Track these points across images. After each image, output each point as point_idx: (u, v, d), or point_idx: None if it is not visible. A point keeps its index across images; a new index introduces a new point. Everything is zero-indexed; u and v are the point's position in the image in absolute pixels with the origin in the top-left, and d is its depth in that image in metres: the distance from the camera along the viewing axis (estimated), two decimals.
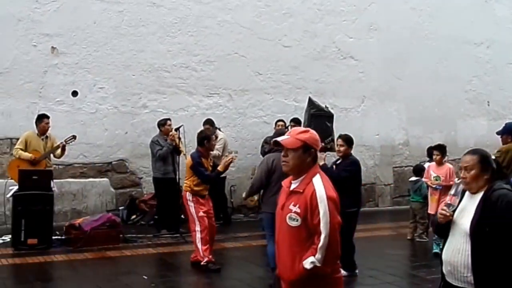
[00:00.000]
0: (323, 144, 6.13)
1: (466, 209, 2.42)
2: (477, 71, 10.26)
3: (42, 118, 6.24)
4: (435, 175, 5.91)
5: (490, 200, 2.35)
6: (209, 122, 7.23)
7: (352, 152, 5.18)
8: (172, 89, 7.84)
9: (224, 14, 8.15)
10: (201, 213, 4.97)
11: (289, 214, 2.29)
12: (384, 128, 9.44)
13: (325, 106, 8.32)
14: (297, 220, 2.26)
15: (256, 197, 7.01)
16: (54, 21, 7.16)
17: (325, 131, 7.76)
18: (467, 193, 2.47)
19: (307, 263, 2.22)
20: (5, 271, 5.04)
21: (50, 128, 6.33)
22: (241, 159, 8.02)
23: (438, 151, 6.00)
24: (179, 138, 6.66)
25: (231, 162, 5.11)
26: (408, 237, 6.71)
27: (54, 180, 6.18)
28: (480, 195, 2.40)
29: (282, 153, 2.36)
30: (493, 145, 7.34)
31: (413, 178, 6.80)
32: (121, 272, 4.98)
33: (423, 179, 6.15)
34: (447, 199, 2.48)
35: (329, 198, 2.25)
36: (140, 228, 6.99)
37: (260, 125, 8.35)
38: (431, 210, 5.96)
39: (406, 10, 9.57)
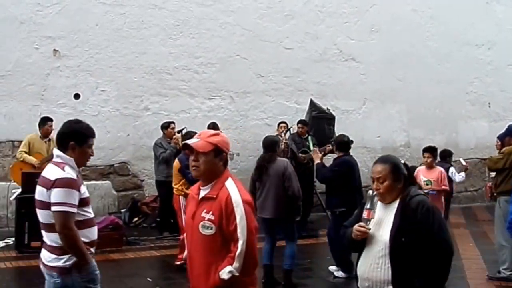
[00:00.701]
0: (329, 146, 6.17)
1: (383, 221, 2.29)
2: (478, 73, 10.28)
3: (45, 121, 6.24)
4: (425, 179, 5.50)
5: (409, 207, 2.24)
6: (214, 127, 7.19)
7: (353, 153, 5.24)
8: (174, 91, 7.85)
9: (226, 16, 8.16)
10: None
11: (202, 223, 2.14)
12: (385, 130, 9.45)
13: (327, 108, 8.35)
14: (211, 228, 2.11)
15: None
16: (56, 24, 7.17)
17: (327, 133, 7.80)
18: (379, 204, 2.34)
19: (224, 273, 2.07)
20: (9, 273, 5.04)
21: (53, 131, 6.32)
22: (243, 161, 8.03)
23: (428, 153, 5.64)
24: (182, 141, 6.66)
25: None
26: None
27: None
28: (395, 204, 2.29)
29: (192, 157, 2.20)
30: (494, 146, 7.35)
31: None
32: (125, 275, 4.98)
33: None
34: (364, 214, 2.32)
35: (245, 202, 2.13)
36: (143, 230, 7.00)
37: (261, 127, 8.36)
38: None
39: (407, 12, 9.59)
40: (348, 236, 2.37)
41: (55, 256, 2.45)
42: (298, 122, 7.42)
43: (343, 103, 8.95)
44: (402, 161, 2.43)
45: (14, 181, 6.12)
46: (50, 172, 2.49)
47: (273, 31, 8.47)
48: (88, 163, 7.40)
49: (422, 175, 5.56)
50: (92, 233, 2.57)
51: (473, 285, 4.88)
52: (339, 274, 5.01)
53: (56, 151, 2.56)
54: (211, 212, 2.13)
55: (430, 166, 5.59)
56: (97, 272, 2.53)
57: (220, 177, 2.20)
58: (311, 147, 7.22)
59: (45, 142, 6.24)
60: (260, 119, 8.41)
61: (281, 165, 4.62)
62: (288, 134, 7.42)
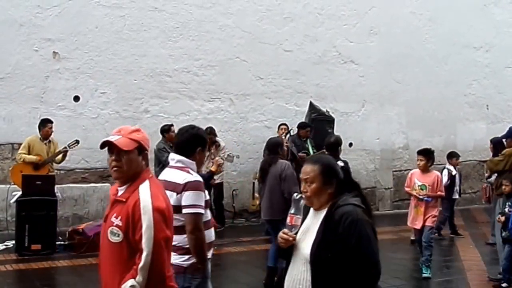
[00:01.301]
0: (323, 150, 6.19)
1: (310, 230, 2.03)
2: (476, 75, 10.33)
3: (45, 123, 6.23)
4: (420, 183, 5.15)
5: (333, 218, 1.96)
6: (212, 132, 7.15)
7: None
8: (173, 93, 7.85)
9: (226, 18, 8.17)
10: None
11: (110, 228, 1.95)
12: (384, 132, 9.47)
13: (326, 111, 8.38)
14: (118, 235, 1.92)
15: (258, 202, 7.03)
16: (56, 26, 7.16)
17: (326, 135, 7.81)
18: (311, 209, 2.08)
19: (127, 287, 1.88)
20: (10, 276, 5.03)
21: (53, 133, 6.31)
22: (243, 163, 8.04)
23: (421, 156, 5.21)
24: None
25: (223, 163, 5.13)
26: (412, 238, 6.79)
27: (56, 186, 6.16)
28: (323, 212, 2.02)
29: (113, 157, 1.99)
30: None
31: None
32: None
33: (406, 189, 5.44)
34: (287, 220, 2.07)
35: (155, 209, 1.90)
36: None
37: (261, 129, 8.36)
38: (412, 224, 5.22)
39: (406, 14, 9.64)
40: (277, 243, 2.11)
41: (175, 254, 2.49)
42: (303, 126, 7.38)
43: (342, 105, 8.98)
44: (341, 164, 2.16)
45: (14, 184, 6.10)
46: (176, 176, 2.59)
47: (272, 33, 8.49)
48: (87, 166, 7.38)
49: (417, 179, 5.23)
50: (211, 234, 2.66)
51: (474, 286, 4.90)
52: None
53: (176, 156, 2.69)
54: (119, 218, 1.94)
55: (424, 170, 5.20)
56: (209, 276, 2.63)
57: (139, 178, 2.01)
58: (311, 150, 7.24)
59: (45, 144, 6.23)
60: (260, 122, 8.42)
61: (279, 167, 4.62)
62: (288, 136, 7.43)
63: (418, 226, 5.15)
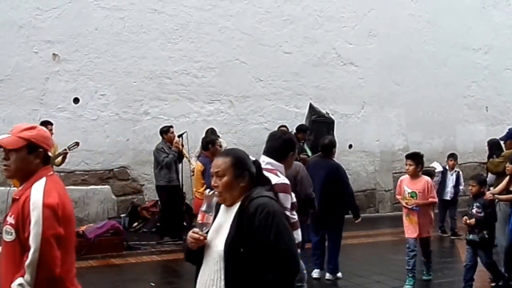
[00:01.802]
0: None
1: (222, 227, 1.93)
2: (475, 77, 10.36)
3: (45, 125, 6.18)
4: (409, 191, 4.77)
5: (248, 211, 1.86)
6: (212, 133, 7.16)
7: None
8: (173, 95, 7.84)
9: (225, 20, 8.18)
10: None
11: (4, 227, 1.93)
12: (384, 134, 9.48)
13: (326, 112, 8.38)
14: (11, 234, 1.90)
15: None
16: (56, 28, 7.15)
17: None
18: (222, 206, 1.99)
19: (15, 286, 1.84)
20: None
21: (53, 135, 6.29)
22: None
23: (411, 161, 4.80)
24: (182, 145, 6.65)
25: None
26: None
27: None
28: (236, 207, 1.92)
29: (3, 156, 1.98)
30: None
31: None
32: (128, 280, 4.95)
33: (397, 196, 5.17)
34: (198, 217, 1.99)
35: (45, 206, 1.85)
36: (143, 235, 6.96)
37: (261, 131, 8.34)
38: (407, 233, 4.92)
39: (405, 17, 9.66)
40: (185, 246, 1.97)
41: None
42: (302, 129, 7.35)
43: (342, 107, 8.98)
44: (253, 158, 2.05)
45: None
46: None
47: (272, 35, 8.50)
48: (87, 168, 7.36)
49: (406, 185, 4.80)
50: (298, 235, 2.81)
51: (476, 287, 4.88)
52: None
53: (266, 158, 2.80)
54: (13, 216, 1.91)
55: (413, 175, 4.79)
56: (305, 271, 2.85)
57: (34, 176, 1.96)
58: (309, 152, 7.24)
59: None
60: (260, 123, 8.42)
61: (294, 168, 4.61)
62: None
63: (413, 235, 4.84)
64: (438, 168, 7.22)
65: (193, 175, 7.16)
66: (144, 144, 7.54)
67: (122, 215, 7.37)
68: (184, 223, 7.02)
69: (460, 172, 7.50)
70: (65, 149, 6.18)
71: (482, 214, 4.39)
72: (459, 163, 9.64)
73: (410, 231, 4.86)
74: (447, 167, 7.27)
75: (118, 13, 7.51)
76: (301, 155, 6.99)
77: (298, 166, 4.73)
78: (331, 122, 8.16)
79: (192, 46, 7.95)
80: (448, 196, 7.19)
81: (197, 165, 5.44)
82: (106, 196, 7.40)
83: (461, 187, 7.38)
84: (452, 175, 7.24)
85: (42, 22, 7.11)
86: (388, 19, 9.43)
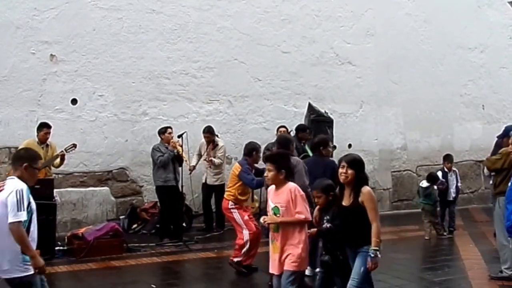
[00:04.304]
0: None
1: None
2: (471, 75, 10.42)
3: (42, 127, 6.18)
4: (273, 205, 3.45)
5: None
6: (209, 131, 7.19)
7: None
8: (172, 96, 7.82)
9: (224, 20, 8.17)
10: (246, 217, 5.04)
11: None
12: (382, 133, 9.51)
13: (325, 112, 8.38)
14: None
15: (257, 204, 7.01)
16: (53, 29, 7.10)
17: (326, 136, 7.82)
18: None
19: None
20: None
21: (50, 137, 6.26)
22: None
23: (270, 164, 3.48)
24: (181, 146, 6.63)
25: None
26: (426, 237, 6.95)
27: (54, 190, 6.09)
28: None
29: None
30: (488, 148, 7.43)
31: (424, 184, 7.07)
32: (128, 282, 4.92)
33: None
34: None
35: None
36: (142, 237, 6.92)
37: (260, 131, 8.36)
38: (271, 268, 3.43)
39: (402, 16, 9.70)
40: None
41: None
42: (302, 129, 7.30)
43: (340, 106, 9.00)
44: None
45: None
46: None
47: (270, 35, 8.50)
48: (86, 169, 7.32)
49: (270, 198, 3.52)
50: None
51: (475, 285, 4.91)
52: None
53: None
54: None
55: (275, 183, 3.48)
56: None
57: None
58: (309, 152, 7.23)
59: (42, 147, 6.16)
60: (258, 123, 8.42)
61: (292, 163, 4.64)
62: None
63: (274, 270, 3.42)
64: (440, 176, 7.27)
65: (190, 172, 7.15)
66: (143, 145, 7.51)
67: (121, 217, 7.33)
68: (184, 224, 7.01)
69: (457, 171, 7.59)
70: (62, 151, 6.14)
71: (329, 226, 3.50)
72: (455, 161, 9.72)
73: (271, 264, 3.47)
74: (446, 170, 7.31)
75: (116, 13, 7.47)
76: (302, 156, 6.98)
77: (295, 160, 4.69)
78: (330, 122, 8.17)
79: (190, 46, 7.92)
80: (451, 197, 7.30)
81: (235, 164, 5.35)
82: (105, 198, 7.36)
83: (458, 185, 7.50)
84: (451, 176, 7.31)
85: (40, 23, 7.06)
86: (385, 19, 9.46)
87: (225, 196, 5.20)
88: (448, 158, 7.52)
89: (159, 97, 7.72)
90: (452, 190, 7.27)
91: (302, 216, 3.35)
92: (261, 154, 5.35)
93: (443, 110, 10.07)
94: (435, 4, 9.93)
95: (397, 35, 9.57)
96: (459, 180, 7.51)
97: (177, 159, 6.62)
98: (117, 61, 7.46)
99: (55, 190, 6.03)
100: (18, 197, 2.84)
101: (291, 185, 3.43)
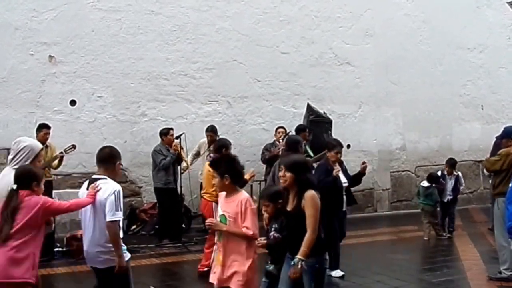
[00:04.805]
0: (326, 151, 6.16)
1: None
2: (470, 76, 10.42)
3: (41, 128, 6.17)
4: (221, 212, 3.25)
5: None
6: (212, 130, 7.09)
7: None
8: (171, 97, 7.82)
9: (222, 21, 8.17)
10: None
11: None
12: (381, 133, 9.52)
13: (324, 112, 8.38)
14: None
15: (256, 204, 6.99)
16: (52, 30, 7.10)
17: (324, 137, 7.82)
18: None
19: None
20: None
21: (49, 138, 6.25)
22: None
23: (213, 171, 3.34)
24: (181, 147, 6.63)
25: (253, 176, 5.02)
26: (425, 238, 6.95)
27: (53, 191, 6.09)
28: None
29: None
30: (487, 148, 7.49)
31: (425, 184, 7.08)
32: None
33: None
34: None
35: None
36: (141, 238, 6.92)
37: (259, 131, 8.36)
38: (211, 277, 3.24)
39: (401, 16, 9.71)
40: None
41: None
42: (302, 129, 7.28)
43: (339, 107, 9.01)
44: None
45: None
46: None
47: (269, 36, 8.50)
48: (85, 170, 7.32)
49: (220, 205, 3.33)
50: None
51: (474, 286, 4.92)
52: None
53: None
54: None
55: (224, 189, 3.25)
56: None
57: None
58: (310, 152, 7.23)
59: (42, 149, 6.14)
60: (257, 124, 8.42)
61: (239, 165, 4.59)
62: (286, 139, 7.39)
63: (214, 281, 3.20)
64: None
65: (183, 171, 7.08)
66: (142, 146, 7.51)
67: None
68: (183, 225, 7.01)
69: (460, 174, 7.47)
70: (61, 152, 6.13)
71: (277, 235, 3.25)
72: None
73: (211, 275, 3.31)
74: (445, 173, 7.28)
75: (115, 14, 7.47)
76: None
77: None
78: (329, 122, 8.17)
79: (189, 47, 7.93)
80: (445, 199, 7.27)
81: (207, 165, 5.33)
82: None
83: (461, 187, 7.48)
84: (450, 179, 7.28)
85: (38, 24, 7.06)
86: (384, 19, 9.46)
87: (206, 197, 5.02)
88: (449, 162, 7.38)
89: (158, 98, 7.72)
90: (447, 192, 7.26)
91: (250, 232, 3.06)
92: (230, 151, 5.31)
93: (442, 111, 10.07)
94: (434, 5, 9.93)
95: (396, 35, 9.57)
96: (462, 184, 7.49)
97: (177, 160, 6.62)
98: (116, 62, 7.46)
99: (54, 192, 6.03)
100: (116, 197, 3.00)
101: (243, 195, 3.13)
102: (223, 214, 3.18)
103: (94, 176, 3.16)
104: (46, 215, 2.94)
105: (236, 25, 8.25)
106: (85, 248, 3.15)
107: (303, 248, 2.93)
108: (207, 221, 3.39)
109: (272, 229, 3.26)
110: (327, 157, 5.31)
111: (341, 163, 5.22)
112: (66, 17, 7.18)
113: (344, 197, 5.19)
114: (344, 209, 5.25)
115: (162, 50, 7.74)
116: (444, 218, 7.32)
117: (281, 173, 3.10)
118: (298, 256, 2.93)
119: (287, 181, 3.06)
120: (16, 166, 3.09)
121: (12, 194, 2.89)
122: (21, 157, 3.17)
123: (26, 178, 2.91)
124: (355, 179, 5.46)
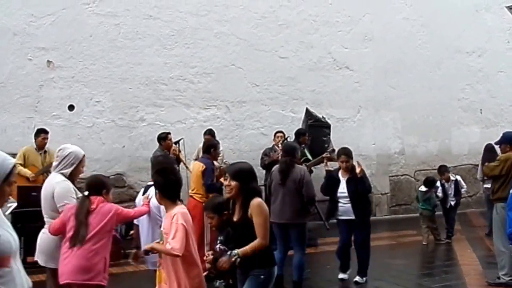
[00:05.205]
0: (327, 154, 6.17)
1: None
2: (469, 80, 10.42)
3: (39, 133, 6.18)
4: (162, 228, 3.09)
5: None
6: (210, 133, 7.12)
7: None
8: (169, 101, 7.82)
9: (221, 26, 8.18)
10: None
11: None
12: (380, 137, 9.51)
13: (322, 117, 8.38)
14: None
15: None
16: (50, 35, 7.11)
17: (324, 141, 7.82)
18: None
19: None
20: None
21: (48, 143, 6.25)
22: None
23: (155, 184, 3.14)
24: (180, 151, 6.62)
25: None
26: (424, 243, 6.94)
27: None
28: None
29: None
30: None
31: (423, 188, 7.07)
32: None
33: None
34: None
35: None
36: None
37: (257, 136, 8.35)
38: None
39: (399, 21, 9.72)
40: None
41: None
42: (303, 133, 7.26)
43: (338, 111, 9.00)
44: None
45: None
46: None
47: (267, 40, 8.51)
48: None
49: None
50: None
51: (471, 285, 4.91)
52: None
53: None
54: None
55: (162, 203, 3.06)
56: None
57: None
58: (309, 156, 7.22)
59: (40, 154, 6.16)
60: (256, 129, 8.41)
61: (299, 172, 4.70)
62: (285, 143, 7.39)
63: None
64: (438, 187, 7.23)
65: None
66: (140, 150, 7.50)
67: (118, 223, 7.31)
68: None
69: (458, 178, 7.47)
70: None
71: (223, 248, 3.10)
72: (454, 165, 9.72)
73: None
74: (442, 182, 7.27)
75: (113, 19, 7.48)
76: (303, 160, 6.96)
77: (303, 170, 4.78)
78: (328, 126, 8.17)
79: (187, 51, 7.93)
80: (448, 205, 7.29)
81: (197, 165, 5.37)
82: None
83: (463, 190, 7.47)
84: (450, 185, 7.28)
85: (36, 29, 7.07)
86: (383, 24, 9.47)
87: (196, 198, 5.11)
88: (440, 170, 7.35)
89: (156, 103, 7.72)
90: (451, 198, 7.27)
91: (172, 252, 2.75)
92: (219, 151, 5.47)
93: (441, 115, 10.07)
94: (433, 9, 9.94)
95: (394, 39, 9.58)
96: (464, 186, 7.46)
97: (177, 162, 6.61)
98: (114, 67, 7.46)
99: None
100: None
101: (176, 210, 2.90)
102: (161, 230, 3.02)
103: (149, 183, 3.39)
104: (118, 222, 3.26)
105: (235, 30, 8.26)
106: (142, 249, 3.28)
107: (247, 247, 2.80)
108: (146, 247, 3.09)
109: (218, 242, 3.12)
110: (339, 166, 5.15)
111: (352, 171, 5.02)
112: (64, 22, 7.19)
113: (348, 205, 5.01)
114: (351, 217, 5.02)
115: (160, 55, 7.75)
116: (447, 223, 7.31)
117: (226, 182, 2.96)
118: (238, 250, 2.81)
119: (232, 190, 2.91)
120: (62, 171, 3.34)
121: (84, 200, 3.17)
122: (66, 163, 3.38)
123: (97, 186, 3.23)
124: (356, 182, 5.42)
